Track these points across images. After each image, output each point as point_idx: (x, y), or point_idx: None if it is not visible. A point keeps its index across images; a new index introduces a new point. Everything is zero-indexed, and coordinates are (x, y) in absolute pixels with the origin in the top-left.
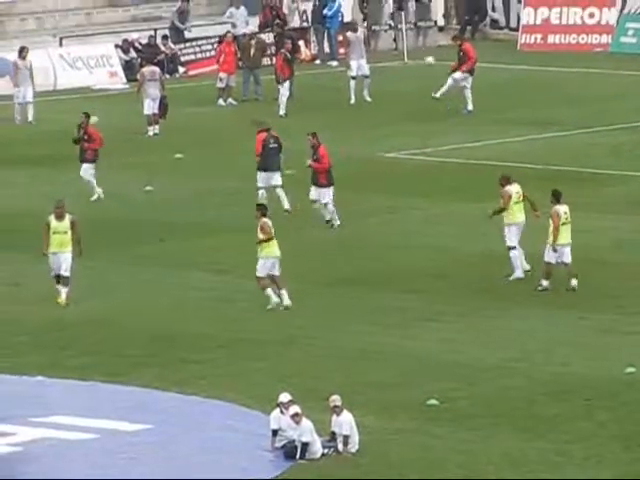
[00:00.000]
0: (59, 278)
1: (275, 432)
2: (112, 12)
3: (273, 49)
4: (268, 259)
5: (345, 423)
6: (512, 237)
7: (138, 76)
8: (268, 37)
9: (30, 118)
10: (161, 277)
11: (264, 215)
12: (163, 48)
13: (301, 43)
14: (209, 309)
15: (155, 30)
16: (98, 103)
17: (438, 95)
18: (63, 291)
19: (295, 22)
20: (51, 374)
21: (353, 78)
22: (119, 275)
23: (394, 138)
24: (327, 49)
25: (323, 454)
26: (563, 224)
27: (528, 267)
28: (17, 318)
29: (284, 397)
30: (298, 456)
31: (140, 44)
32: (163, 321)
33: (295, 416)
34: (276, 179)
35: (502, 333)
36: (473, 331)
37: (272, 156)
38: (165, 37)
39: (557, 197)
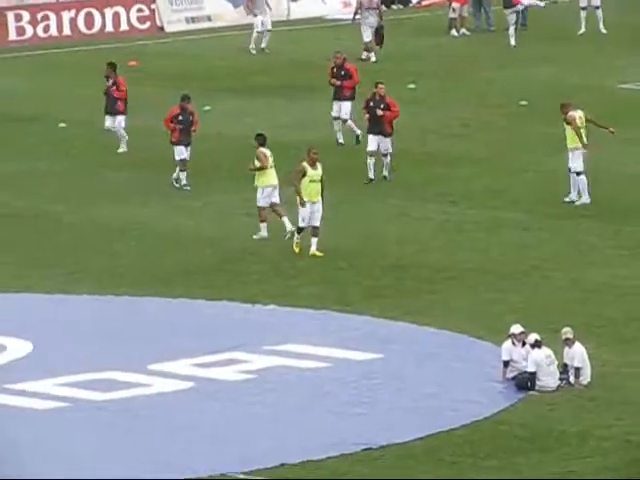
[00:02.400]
0: (300, 230)
1: (506, 363)
2: None
3: None
4: (265, 188)
5: (577, 355)
6: (581, 162)
7: (355, 5)
8: None
9: (264, 45)
10: (394, 208)
11: (262, 144)
12: None
13: None
14: (442, 240)
15: None
16: (330, 33)
17: None
18: (314, 242)
19: None
20: (284, 303)
21: (583, 9)
22: (353, 207)
23: (629, 69)
24: None
25: (559, 386)
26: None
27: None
28: (253, 248)
29: (516, 329)
30: (528, 387)
31: None
32: (396, 252)
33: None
34: None
35: None
36: None
37: None
38: None
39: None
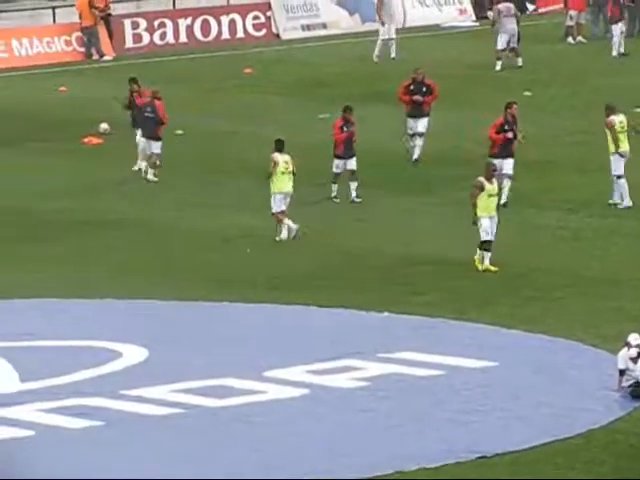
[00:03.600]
0: (485, 243)
1: (622, 372)
2: None
3: None
4: (276, 194)
5: None
6: (620, 166)
7: (492, 12)
8: None
9: (393, 54)
10: (512, 216)
11: (278, 150)
12: None
13: None
14: (559, 247)
15: None
16: (446, 40)
17: None
18: (487, 256)
19: None
20: (398, 310)
21: None
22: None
23: None
24: None
25: None
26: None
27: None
28: (366, 254)
29: (633, 339)
30: None
31: None
32: (513, 259)
33: (635, 358)
34: None
35: None
36: None
37: None
38: None
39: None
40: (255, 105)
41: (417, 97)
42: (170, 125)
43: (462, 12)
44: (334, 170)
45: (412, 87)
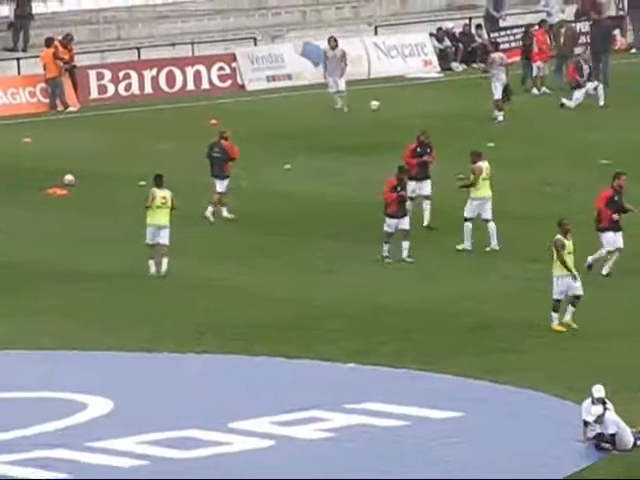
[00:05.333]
0: (558, 302)
1: (586, 423)
2: (426, 0)
3: (588, 38)
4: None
5: None
6: (471, 209)
7: (487, 62)
8: (583, 26)
9: (339, 105)
10: (476, 266)
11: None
12: (477, 37)
13: (617, 32)
14: (524, 298)
15: (470, 19)
16: (411, 91)
17: None
18: (570, 311)
19: (611, 10)
20: (363, 361)
21: None
22: (434, 264)
23: None
24: None
25: (635, 445)
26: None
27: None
28: (332, 305)
29: (597, 392)
30: (609, 447)
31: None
32: (478, 309)
33: (597, 419)
34: None
35: None
36: None
37: None
38: (479, 26)
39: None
40: None
41: (427, 157)
42: (135, 175)
43: (427, 63)
44: (386, 229)
45: (419, 150)
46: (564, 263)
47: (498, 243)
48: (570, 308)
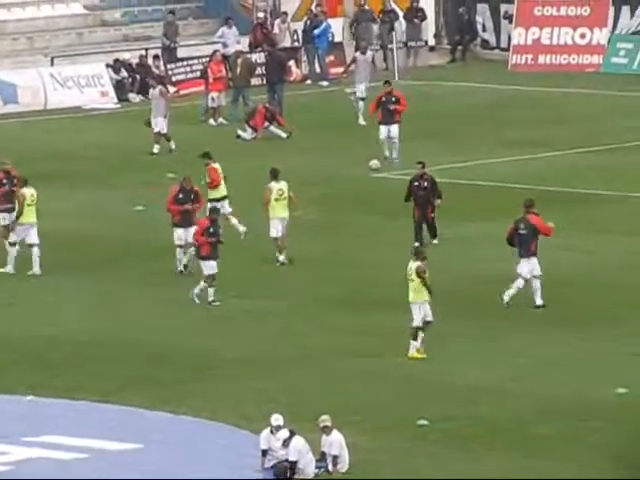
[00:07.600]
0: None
1: (265, 452)
2: (103, 32)
3: (263, 69)
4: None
5: (335, 443)
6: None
7: (150, 94)
8: (259, 57)
9: None
10: (149, 294)
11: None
12: (154, 68)
13: (292, 63)
14: (203, 328)
15: (146, 50)
16: (88, 122)
17: None
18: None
19: (286, 42)
20: (42, 393)
21: (362, 99)
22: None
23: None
24: (318, 69)
25: (316, 474)
26: (277, 200)
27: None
28: (7, 337)
29: (275, 420)
30: (288, 476)
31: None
32: (157, 339)
33: (284, 442)
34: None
35: (493, 353)
36: (465, 351)
37: None
38: (156, 57)
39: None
40: None
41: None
42: None
43: (104, 94)
44: None
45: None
46: (428, 287)
47: None
48: (421, 334)
